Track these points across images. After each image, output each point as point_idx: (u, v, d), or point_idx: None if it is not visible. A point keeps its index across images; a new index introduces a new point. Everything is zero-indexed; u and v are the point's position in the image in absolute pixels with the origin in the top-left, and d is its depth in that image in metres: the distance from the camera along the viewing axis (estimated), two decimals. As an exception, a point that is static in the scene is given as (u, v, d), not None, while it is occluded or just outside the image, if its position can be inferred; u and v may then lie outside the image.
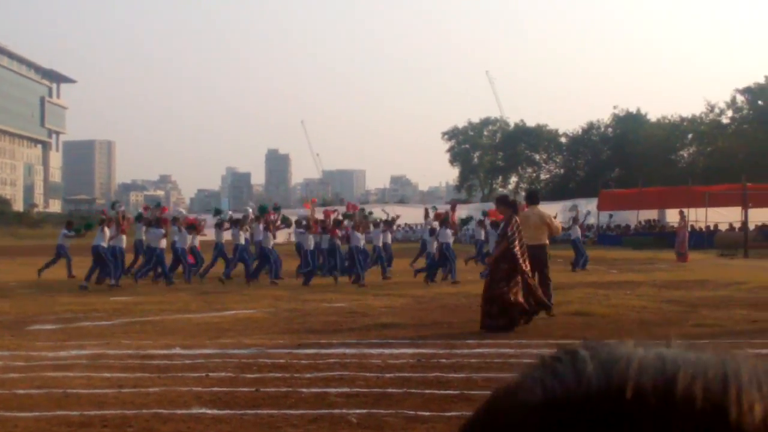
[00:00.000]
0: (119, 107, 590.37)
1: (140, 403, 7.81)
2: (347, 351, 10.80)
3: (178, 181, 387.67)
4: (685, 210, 35.51)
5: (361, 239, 23.65)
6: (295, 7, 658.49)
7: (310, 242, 24.30)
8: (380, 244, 25.10)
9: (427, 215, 27.49)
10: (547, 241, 15.26)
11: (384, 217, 27.31)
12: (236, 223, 24.74)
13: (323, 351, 10.80)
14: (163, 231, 23.44)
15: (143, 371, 9.42)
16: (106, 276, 22.79)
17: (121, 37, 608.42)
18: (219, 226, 24.97)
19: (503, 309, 12.85)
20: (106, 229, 23.26)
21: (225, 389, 8.40)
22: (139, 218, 26.22)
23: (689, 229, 35.17)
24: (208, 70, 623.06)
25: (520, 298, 12.96)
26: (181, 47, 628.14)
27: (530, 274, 13.44)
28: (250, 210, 26.82)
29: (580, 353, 0.66)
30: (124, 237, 23.99)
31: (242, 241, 24.50)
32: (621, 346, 0.67)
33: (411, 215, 57.47)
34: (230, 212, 27.61)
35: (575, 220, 30.49)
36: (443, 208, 30.15)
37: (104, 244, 22.97)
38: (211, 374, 9.16)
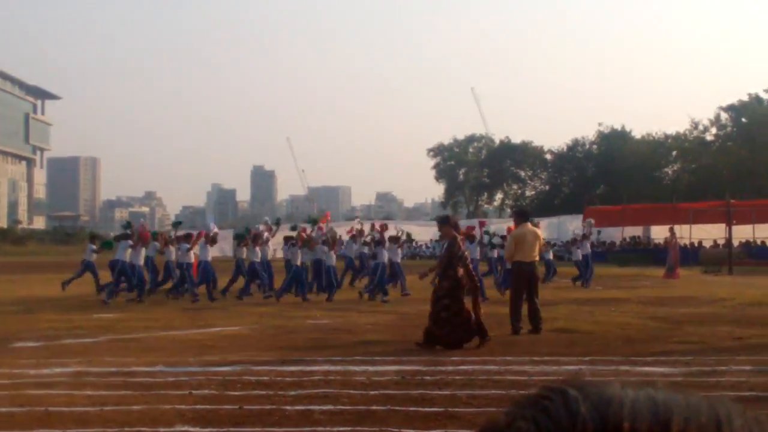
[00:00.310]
0: (104, 124, 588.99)
1: (123, 421, 7.76)
2: (331, 368, 10.77)
3: (163, 198, 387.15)
4: (675, 227, 35.69)
5: (333, 257, 23.80)
6: (281, 24, 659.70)
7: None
8: (397, 260, 24.88)
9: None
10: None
11: (395, 234, 26.89)
12: (255, 239, 24.54)
13: (307, 368, 10.76)
14: (187, 246, 23.32)
15: (126, 389, 9.36)
16: (128, 290, 23.31)
17: (106, 53, 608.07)
18: (239, 242, 24.99)
19: (453, 326, 12.93)
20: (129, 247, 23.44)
21: (208, 407, 8.35)
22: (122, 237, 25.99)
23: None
24: (193, 86, 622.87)
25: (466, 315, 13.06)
26: (167, 64, 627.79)
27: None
28: (261, 226, 26.66)
29: (570, 392, 0.65)
30: (143, 253, 23.95)
31: (257, 258, 24.30)
32: (609, 386, 0.66)
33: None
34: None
35: (586, 236, 29.53)
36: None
37: (126, 259, 23.10)
38: (194, 392, 9.11)
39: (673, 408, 0.63)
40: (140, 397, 8.90)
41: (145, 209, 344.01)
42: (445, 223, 13.92)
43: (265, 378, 10.00)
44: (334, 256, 23.96)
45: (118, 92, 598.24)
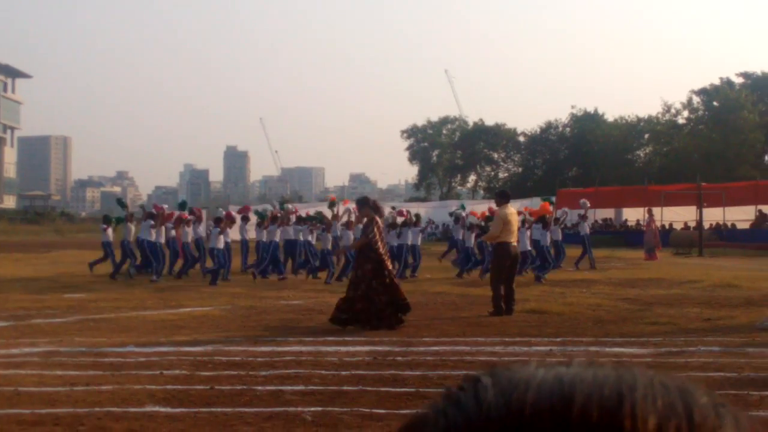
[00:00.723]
0: (75, 103, 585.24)
1: (93, 401, 7.73)
2: (303, 349, 10.78)
3: (136, 178, 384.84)
4: (654, 209, 35.94)
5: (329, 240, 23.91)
6: (255, 5, 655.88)
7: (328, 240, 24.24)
8: (412, 243, 24.77)
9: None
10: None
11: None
12: (274, 221, 24.37)
13: (279, 349, 10.76)
14: (219, 229, 23.17)
15: (96, 369, 9.32)
16: (148, 270, 23.37)
17: (78, 32, 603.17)
18: (260, 224, 24.95)
19: (366, 306, 12.93)
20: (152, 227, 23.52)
21: (179, 387, 8.34)
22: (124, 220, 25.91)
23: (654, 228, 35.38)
24: (165, 65, 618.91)
25: (382, 298, 13.03)
26: (139, 43, 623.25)
27: (394, 274, 13.73)
28: (272, 207, 26.43)
29: (482, 380, 0.66)
30: (163, 231, 24.02)
31: (277, 239, 24.16)
32: (520, 369, 0.67)
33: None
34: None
35: (583, 216, 29.23)
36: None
37: (151, 239, 23.23)
38: (165, 372, 9.09)
39: (576, 385, 0.64)
40: (110, 377, 8.87)
41: (117, 189, 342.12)
42: (364, 204, 13.94)
43: (237, 358, 9.99)
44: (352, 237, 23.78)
45: (90, 71, 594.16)
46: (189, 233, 25.34)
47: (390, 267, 13.41)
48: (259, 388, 8.30)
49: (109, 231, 24.90)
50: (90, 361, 9.83)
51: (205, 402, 7.73)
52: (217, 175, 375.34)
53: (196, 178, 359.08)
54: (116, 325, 13.38)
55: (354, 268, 13.88)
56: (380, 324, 12.75)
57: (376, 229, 13.21)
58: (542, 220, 24.32)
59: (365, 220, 13.60)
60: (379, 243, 13.20)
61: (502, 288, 14.89)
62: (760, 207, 46.81)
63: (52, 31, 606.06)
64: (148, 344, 11.09)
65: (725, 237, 43.91)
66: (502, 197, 15.99)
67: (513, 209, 15.73)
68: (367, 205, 13.77)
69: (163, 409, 7.46)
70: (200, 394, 8.03)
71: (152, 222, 23.18)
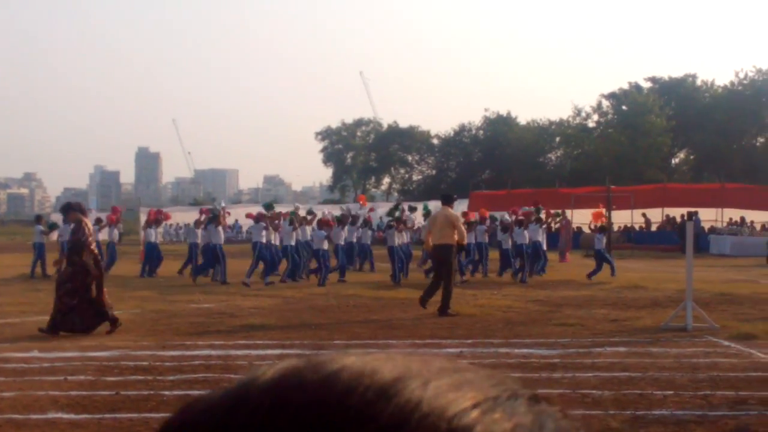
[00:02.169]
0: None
1: (-7, 409, 7.53)
2: (213, 353, 10.66)
3: (44, 179, 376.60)
4: (568, 211, 36.42)
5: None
6: (169, 3, 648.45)
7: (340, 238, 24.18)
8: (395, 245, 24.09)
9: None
10: (454, 242, 15.43)
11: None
12: (291, 222, 23.93)
13: (188, 353, 10.62)
14: (263, 225, 22.77)
15: (-2, 375, 9.08)
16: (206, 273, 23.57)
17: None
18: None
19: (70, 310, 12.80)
20: (219, 228, 23.71)
21: (83, 393, 8.17)
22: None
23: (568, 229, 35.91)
24: (77, 63, 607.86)
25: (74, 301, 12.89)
26: (49, 40, 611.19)
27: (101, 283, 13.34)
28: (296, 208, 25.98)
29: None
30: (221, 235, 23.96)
31: (292, 242, 23.66)
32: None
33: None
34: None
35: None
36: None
37: (221, 242, 23.26)
38: (69, 377, 8.90)
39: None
40: (12, 383, 8.65)
41: (24, 191, 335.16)
42: (69, 209, 13.88)
43: (144, 363, 9.84)
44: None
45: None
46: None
47: (95, 273, 13.06)
48: (167, 392, 8.18)
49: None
50: (-9, 367, 9.57)
51: (109, 408, 7.58)
52: (128, 176, 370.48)
53: (106, 179, 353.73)
54: (21, 329, 13.07)
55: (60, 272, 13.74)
56: (75, 327, 12.58)
57: (86, 231, 13.08)
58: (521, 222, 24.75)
59: (73, 225, 13.46)
60: (87, 248, 13.04)
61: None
62: (667, 209, 47.85)
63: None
64: (53, 349, 10.85)
65: (633, 239, 44.77)
66: (444, 199, 16.22)
67: (448, 211, 15.88)
68: (73, 210, 13.69)
69: (66, 416, 7.30)
70: (105, 400, 7.87)
71: (264, 224, 22.81)
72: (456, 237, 15.40)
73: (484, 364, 8.68)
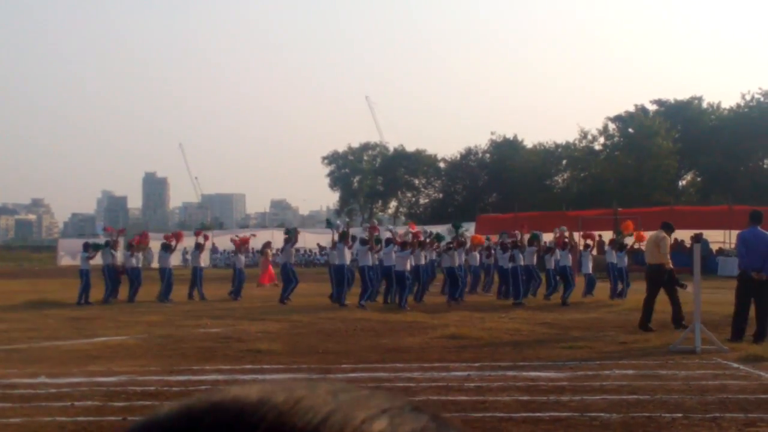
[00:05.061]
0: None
1: (0, 435, 7.53)
2: (220, 377, 10.65)
3: (51, 205, 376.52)
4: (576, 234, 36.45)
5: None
6: (173, 29, 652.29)
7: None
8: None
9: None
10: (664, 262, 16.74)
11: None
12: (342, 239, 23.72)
13: (195, 378, 10.62)
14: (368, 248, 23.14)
15: (5, 401, 9.08)
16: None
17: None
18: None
19: None
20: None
21: (91, 419, 8.16)
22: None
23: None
24: (83, 90, 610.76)
25: None
26: (54, 66, 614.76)
27: None
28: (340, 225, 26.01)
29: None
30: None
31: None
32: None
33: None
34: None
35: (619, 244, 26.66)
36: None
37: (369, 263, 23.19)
38: (76, 403, 8.89)
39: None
40: (20, 409, 8.64)
41: (32, 217, 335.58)
42: None
43: (151, 388, 9.83)
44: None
45: (4, 94, 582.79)
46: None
47: None
48: (174, 418, 8.15)
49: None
50: (-1, 393, 9.57)
51: (116, 434, 7.57)
52: (135, 201, 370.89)
53: (113, 204, 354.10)
54: (28, 355, 13.07)
55: None
56: None
57: None
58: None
59: None
60: None
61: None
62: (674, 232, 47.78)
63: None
64: (60, 375, 10.84)
65: (641, 261, 44.67)
66: (669, 228, 17.92)
67: None
68: None
69: (73, 442, 7.28)
70: (112, 426, 7.86)
71: (369, 246, 23.15)
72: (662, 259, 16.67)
73: (492, 388, 8.65)
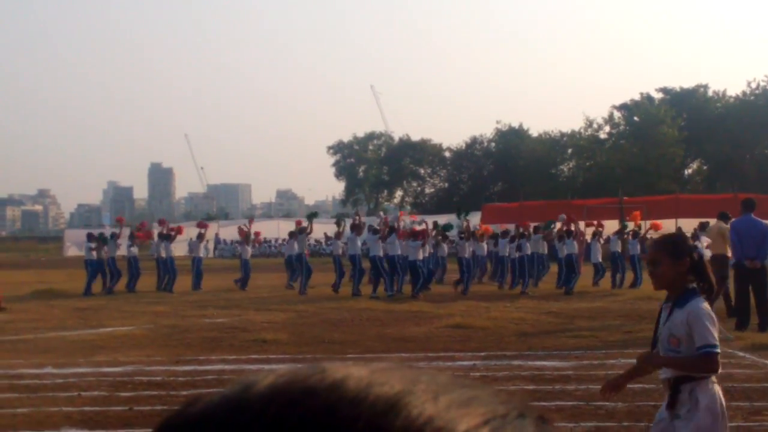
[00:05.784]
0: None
1: (7, 424, 7.55)
2: (226, 367, 10.68)
3: (57, 196, 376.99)
4: (581, 223, 36.37)
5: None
6: (179, 20, 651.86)
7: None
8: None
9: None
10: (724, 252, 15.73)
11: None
12: (354, 229, 24.05)
13: (201, 368, 10.64)
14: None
15: (12, 391, 9.11)
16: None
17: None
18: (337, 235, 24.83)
19: None
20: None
21: (97, 408, 8.18)
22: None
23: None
24: (89, 81, 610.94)
25: None
26: (61, 57, 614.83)
27: None
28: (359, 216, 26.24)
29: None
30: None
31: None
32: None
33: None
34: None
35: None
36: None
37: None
38: (83, 393, 8.92)
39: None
40: (26, 399, 8.67)
41: (39, 208, 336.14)
42: None
43: (158, 378, 9.86)
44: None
45: (7, 87, 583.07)
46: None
47: None
48: (180, 408, 8.17)
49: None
50: (6, 383, 9.60)
51: (123, 423, 7.60)
52: (141, 192, 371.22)
53: (119, 195, 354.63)
54: (34, 346, 13.10)
55: None
56: None
57: None
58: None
59: None
60: None
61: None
62: (680, 220, 47.70)
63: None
64: (67, 365, 10.87)
65: (646, 250, 44.66)
66: (725, 217, 16.86)
67: None
68: None
69: (79, 431, 7.31)
70: (118, 416, 7.89)
71: (378, 236, 23.06)
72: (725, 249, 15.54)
73: (497, 377, 8.66)
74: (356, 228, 23.97)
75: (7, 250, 77.51)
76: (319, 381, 0.63)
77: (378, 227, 23.86)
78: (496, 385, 9.19)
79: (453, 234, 28.77)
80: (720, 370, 4.33)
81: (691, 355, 4.32)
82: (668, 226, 47.76)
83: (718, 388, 4.36)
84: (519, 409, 0.66)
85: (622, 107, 78.89)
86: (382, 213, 28.72)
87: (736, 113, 74.12)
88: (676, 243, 4.54)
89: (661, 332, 4.55)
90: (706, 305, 4.41)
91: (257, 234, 30.16)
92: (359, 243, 23.80)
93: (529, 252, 24.10)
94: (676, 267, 4.40)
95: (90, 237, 25.83)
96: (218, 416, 0.63)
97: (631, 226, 26.39)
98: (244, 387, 0.65)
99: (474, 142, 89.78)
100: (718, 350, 4.33)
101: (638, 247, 25.31)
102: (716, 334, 4.36)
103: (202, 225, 28.35)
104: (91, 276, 24.51)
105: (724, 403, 4.36)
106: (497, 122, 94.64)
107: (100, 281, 24.77)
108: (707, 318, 4.34)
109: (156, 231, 28.01)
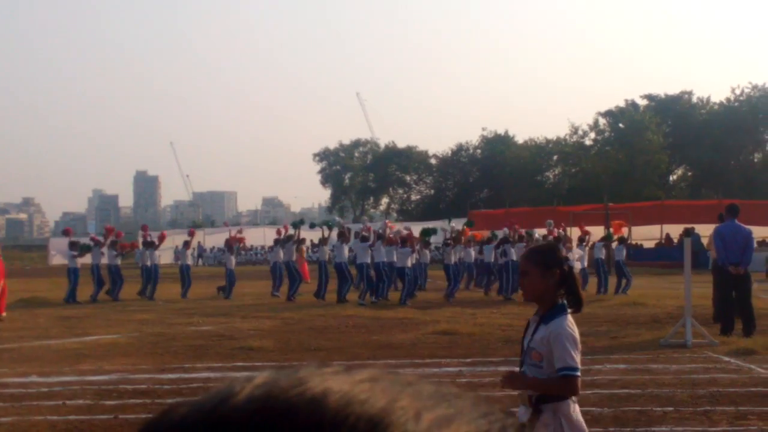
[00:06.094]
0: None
1: (-9, 434, 7.51)
2: (211, 375, 10.64)
3: (42, 204, 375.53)
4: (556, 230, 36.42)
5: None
6: (164, 28, 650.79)
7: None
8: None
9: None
10: None
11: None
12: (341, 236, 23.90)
13: (187, 376, 10.60)
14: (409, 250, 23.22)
15: (-4, 401, 9.05)
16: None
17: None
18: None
19: None
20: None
21: (82, 417, 8.14)
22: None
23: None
24: (74, 89, 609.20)
25: None
26: (45, 65, 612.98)
27: None
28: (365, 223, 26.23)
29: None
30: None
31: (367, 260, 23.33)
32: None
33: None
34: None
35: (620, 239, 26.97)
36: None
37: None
38: (68, 402, 8.87)
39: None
40: (10, 408, 8.62)
41: (23, 216, 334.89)
42: None
43: (143, 386, 9.81)
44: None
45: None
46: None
47: None
48: (165, 416, 8.14)
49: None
50: (-11, 392, 9.54)
51: (108, 432, 7.56)
52: (126, 200, 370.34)
53: (105, 203, 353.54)
54: (19, 355, 13.02)
55: None
56: None
57: None
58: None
59: None
60: None
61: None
62: (665, 226, 47.86)
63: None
64: (51, 374, 10.82)
65: (631, 256, 44.73)
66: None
67: None
68: None
69: (64, 441, 7.27)
70: (103, 424, 7.85)
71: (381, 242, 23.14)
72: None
73: (483, 383, 8.65)
74: (342, 236, 23.90)
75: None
76: (299, 396, 0.62)
77: (364, 234, 23.83)
78: (482, 391, 9.17)
79: (438, 240, 28.78)
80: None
81: (552, 377, 4.26)
82: (654, 231, 48.06)
83: (577, 408, 4.32)
84: (500, 424, 0.65)
85: (607, 114, 79.17)
86: (366, 219, 28.70)
87: (720, 120, 74.47)
88: (545, 254, 4.46)
89: (526, 345, 4.51)
90: (569, 324, 4.32)
91: (241, 240, 30.24)
92: (345, 251, 23.87)
93: (514, 258, 24.07)
94: (546, 278, 4.32)
95: (72, 245, 25.69)
96: None
97: (614, 236, 26.39)
98: (220, 399, 0.63)
99: (460, 149, 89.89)
100: (578, 373, 4.24)
101: (624, 252, 25.38)
102: (577, 356, 4.27)
103: (192, 233, 28.40)
104: (73, 284, 24.41)
105: (583, 420, 4.36)
106: (483, 129, 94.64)
107: (84, 289, 24.67)
108: (568, 339, 4.26)
109: (140, 240, 28.01)
